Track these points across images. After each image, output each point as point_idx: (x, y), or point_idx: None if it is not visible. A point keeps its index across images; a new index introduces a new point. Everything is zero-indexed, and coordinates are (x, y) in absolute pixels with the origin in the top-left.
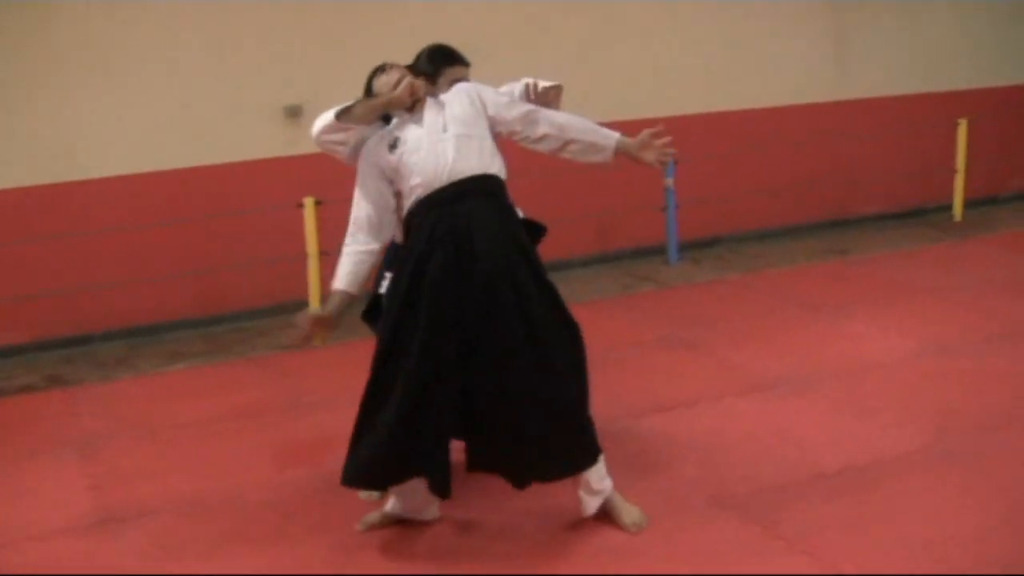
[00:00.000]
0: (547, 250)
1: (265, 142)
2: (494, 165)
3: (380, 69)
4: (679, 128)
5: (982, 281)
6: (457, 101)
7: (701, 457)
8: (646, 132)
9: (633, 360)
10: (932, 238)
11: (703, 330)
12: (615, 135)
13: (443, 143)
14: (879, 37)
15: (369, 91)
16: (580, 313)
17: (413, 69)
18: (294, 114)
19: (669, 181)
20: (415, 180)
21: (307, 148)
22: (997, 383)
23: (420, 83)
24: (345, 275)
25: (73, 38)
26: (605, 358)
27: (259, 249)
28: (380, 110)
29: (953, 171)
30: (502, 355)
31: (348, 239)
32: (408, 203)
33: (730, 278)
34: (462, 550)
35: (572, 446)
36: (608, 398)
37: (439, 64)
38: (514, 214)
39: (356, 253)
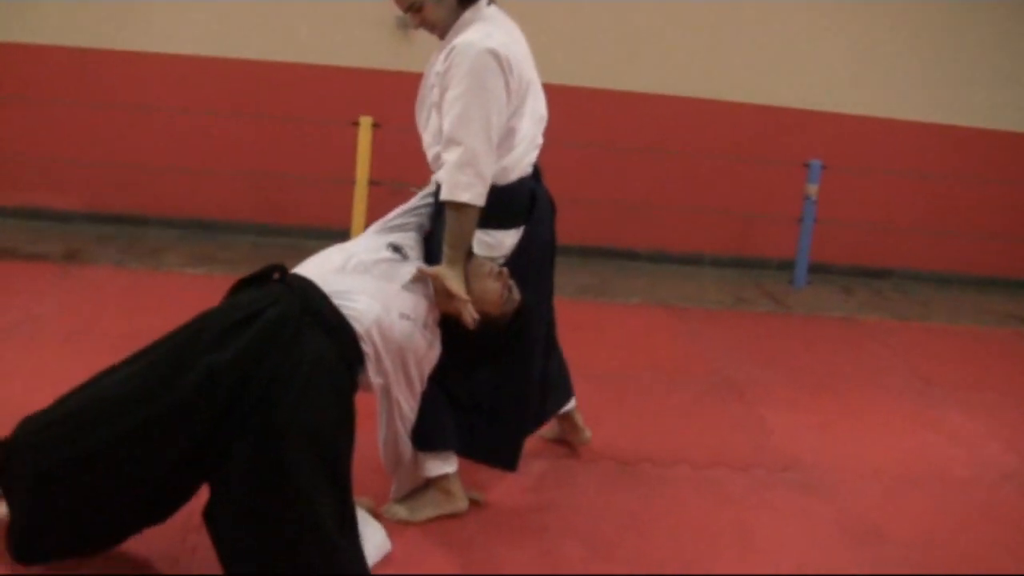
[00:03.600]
0: (680, 243)
1: (373, 52)
2: None
3: None
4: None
5: None
6: None
7: (599, 537)
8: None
9: (652, 391)
10: None
11: (772, 376)
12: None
13: None
14: None
15: None
16: (664, 320)
17: None
18: (406, 26)
19: (812, 188)
20: None
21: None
22: None
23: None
24: None
25: None
26: (625, 381)
27: (326, 166)
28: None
29: None
30: None
31: None
32: None
33: (864, 320)
34: None
35: None
36: (610, 430)
37: None
38: None
39: None
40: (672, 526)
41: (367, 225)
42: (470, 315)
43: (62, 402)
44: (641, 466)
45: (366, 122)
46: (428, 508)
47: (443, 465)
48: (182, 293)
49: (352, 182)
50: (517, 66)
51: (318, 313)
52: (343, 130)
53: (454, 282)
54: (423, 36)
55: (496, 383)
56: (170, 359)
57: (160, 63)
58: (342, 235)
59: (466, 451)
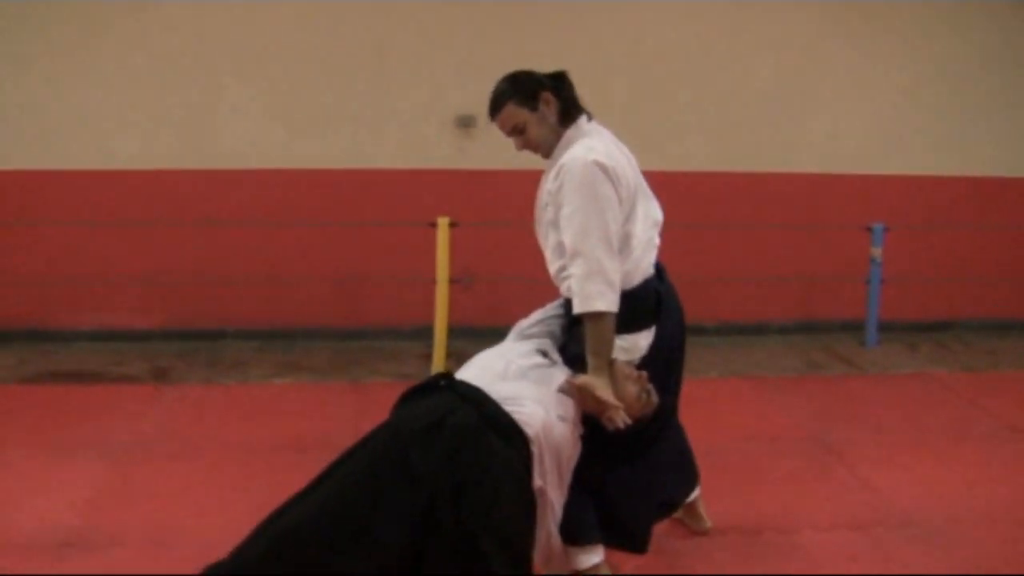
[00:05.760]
0: (744, 311)
1: (435, 151)
2: None
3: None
4: (897, 188)
5: None
6: None
7: None
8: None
9: (757, 459)
10: None
11: (865, 435)
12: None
13: None
14: None
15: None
16: (746, 390)
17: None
18: (466, 124)
19: (876, 251)
20: None
21: (479, 163)
22: None
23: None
24: None
25: (214, 32)
26: (729, 452)
27: (400, 266)
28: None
29: None
30: None
31: None
32: None
33: (937, 374)
34: None
35: None
36: (725, 503)
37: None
38: None
39: None
40: None
41: (449, 321)
42: (623, 420)
43: (257, 539)
44: (766, 535)
45: (443, 222)
46: None
47: (592, 556)
48: (274, 403)
49: (429, 280)
50: (623, 173)
51: (494, 419)
52: (413, 230)
53: (604, 391)
54: (483, 133)
55: (630, 475)
56: (366, 473)
57: (227, 179)
58: (422, 332)
59: (603, 539)
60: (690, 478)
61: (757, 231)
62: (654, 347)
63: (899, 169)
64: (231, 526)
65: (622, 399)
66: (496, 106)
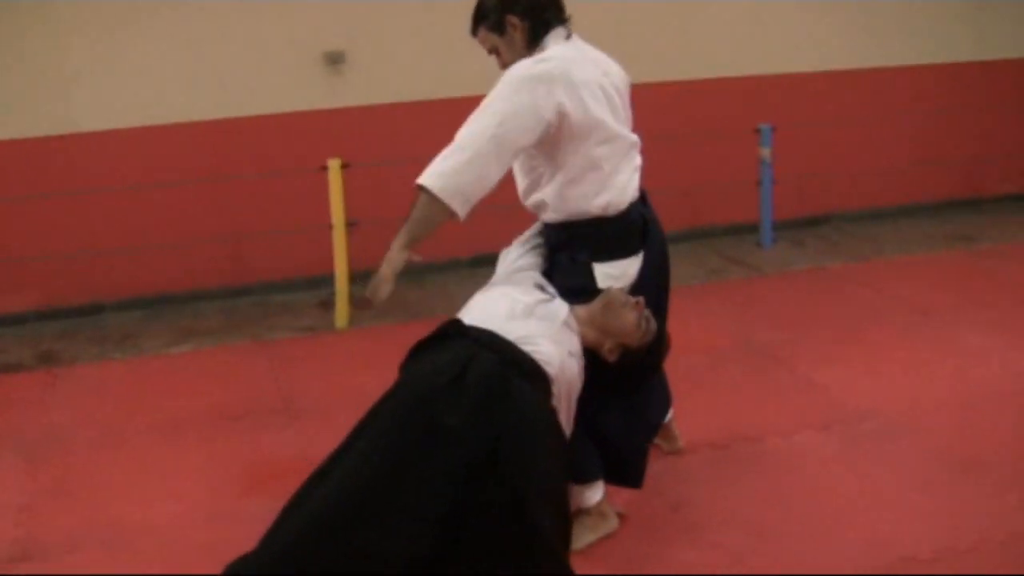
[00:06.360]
0: None
1: (300, 93)
2: None
3: None
4: (778, 87)
5: None
6: None
7: (749, 521)
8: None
9: (700, 373)
10: None
11: (790, 335)
12: None
13: None
14: None
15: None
16: None
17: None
18: (335, 61)
19: (765, 152)
20: None
21: (350, 100)
22: None
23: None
24: None
25: None
26: (672, 368)
27: (286, 215)
28: None
29: None
30: None
31: None
32: None
33: (832, 267)
34: None
35: None
36: (684, 419)
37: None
38: None
39: None
40: (806, 495)
41: (350, 267)
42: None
43: (282, 529)
44: (736, 447)
45: (335, 164)
46: (587, 534)
47: (596, 493)
48: (182, 373)
49: (319, 227)
50: (578, 90)
51: (516, 363)
52: (294, 178)
53: (387, 266)
54: (355, 68)
55: (627, 408)
56: (392, 441)
57: (91, 142)
58: (313, 282)
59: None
60: (666, 399)
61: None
62: (642, 273)
63: (782, 68)
64: (189, 513)
65: (621, 328)
66: (473, 30)
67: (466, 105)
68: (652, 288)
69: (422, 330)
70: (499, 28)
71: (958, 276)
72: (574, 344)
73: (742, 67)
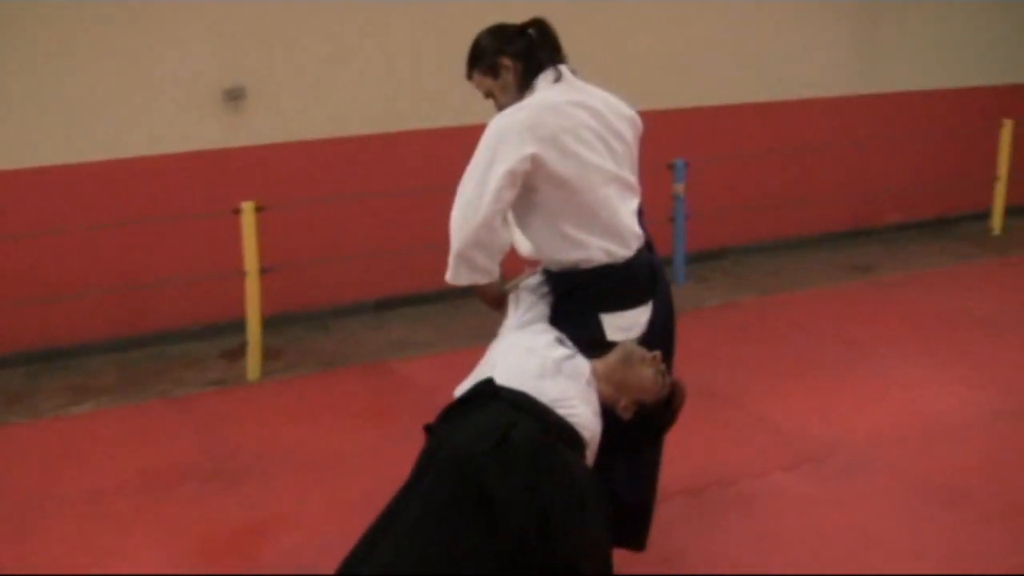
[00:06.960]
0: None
1: (199, 131)
2: None
3: None
4: (682, 121)
5: None
6: None
7: (751, 566)
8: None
9: None
10: (967, 254)
11: (730, 373)
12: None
13: None
14: (910, 25)
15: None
16: None
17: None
18: (236, 97)
19: (679, 187)
20: None
21: (250, 139)
22: None
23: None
24: None
25: None
26: None
27: (186, 261)
28: None
29: (994, 177)
30: None
31: None
32: None
33: (745, 301)
34: None
35: None
36: None
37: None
38: None
39: None
40: (799, 538)
41: (264, 314)
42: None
43: None
44: (711, 492)
45: (248, 207)
46: None
47: None
48: (91, 438)
49: (220, 274)
50: (556, 136)
51: (557, 428)
52: (189, 223)
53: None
54: (255, 105)
55: (633, 469)
56: (440, 513)
57: None
58: (214, 330)
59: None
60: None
61: None
62: (651, 323)
63: (695, 101)
64: None
65: (639, 384)
66: (468, 73)
67: (377, 142)
68: (661, 340)
69: (341, 380)
70: (493, 71)
71: (871, 308)
72: (597, 403)
73: (655, 100)
